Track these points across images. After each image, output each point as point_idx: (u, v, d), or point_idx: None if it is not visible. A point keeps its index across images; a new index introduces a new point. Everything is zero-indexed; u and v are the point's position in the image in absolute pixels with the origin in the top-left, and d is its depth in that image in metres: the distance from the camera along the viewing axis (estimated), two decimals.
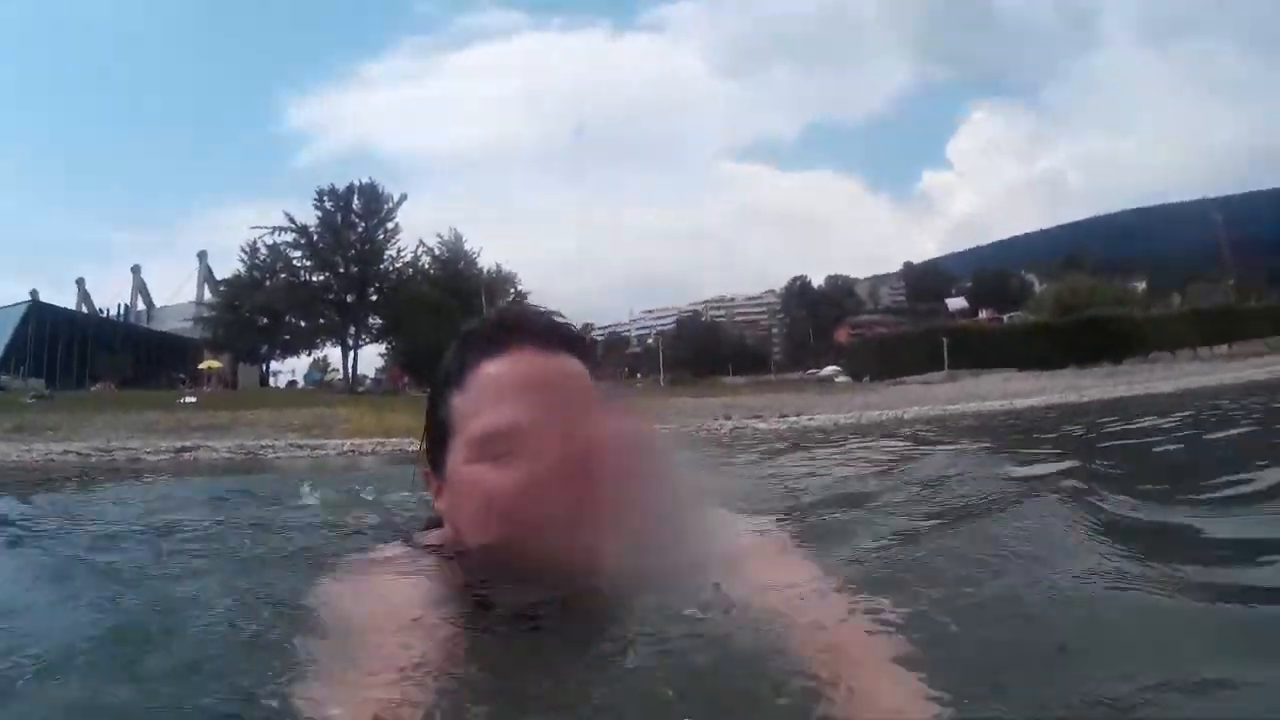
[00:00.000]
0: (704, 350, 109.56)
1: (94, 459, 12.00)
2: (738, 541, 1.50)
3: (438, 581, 1.31)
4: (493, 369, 1.33)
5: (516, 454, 1.26)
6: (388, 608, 1.21)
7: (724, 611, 1.17)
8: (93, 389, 40.73)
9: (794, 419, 15.14)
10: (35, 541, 2.02)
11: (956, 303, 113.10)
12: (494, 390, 1.32)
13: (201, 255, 70.57)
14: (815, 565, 1.45)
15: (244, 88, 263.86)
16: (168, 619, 1.35)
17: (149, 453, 12.21)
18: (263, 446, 13.21)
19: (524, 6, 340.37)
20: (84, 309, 65.41)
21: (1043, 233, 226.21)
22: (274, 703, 0.99)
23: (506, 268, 68.44)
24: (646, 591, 1.23)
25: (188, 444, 13.10)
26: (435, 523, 1.53)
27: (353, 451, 13.25)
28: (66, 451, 12.46)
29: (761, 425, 15.15)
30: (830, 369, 67.55)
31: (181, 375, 39.43)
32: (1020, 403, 18.44)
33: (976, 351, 42.74)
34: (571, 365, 1.37)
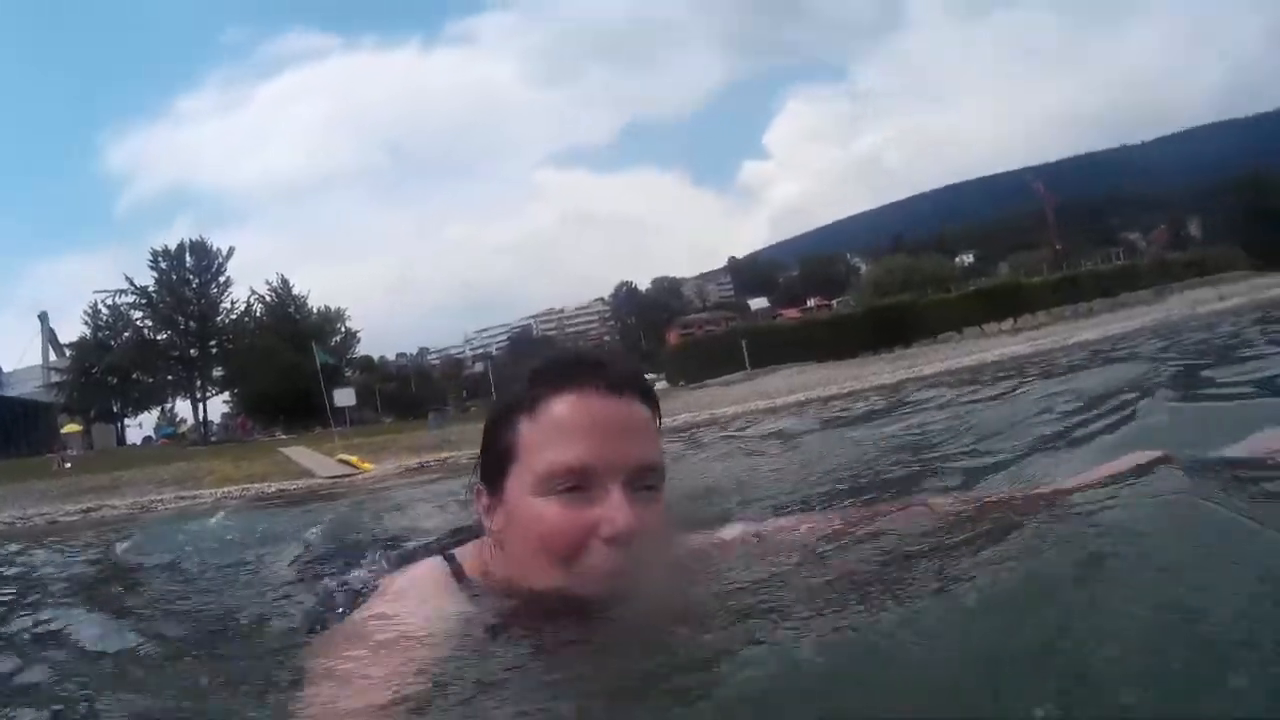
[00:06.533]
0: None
1: (18, 525, 14.45)
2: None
3: (477, 609, 1.39)
4: (567, 404, 1.37)
5: (584, 493, 1.33)
6: (422, 639, 1.27)
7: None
8: None
9: None
10: None
11: (758, 302, 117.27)
12: (567, 425, 1.35)
13: (43, 317, 70.25)
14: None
15: (57, 132, 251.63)
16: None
17: (62, 516, 14.86)
18: (152, 501, 16.10)
19: (333, 28, 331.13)
20: None
21: (867, 214, 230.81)
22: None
23: (335, 305, 71.56)
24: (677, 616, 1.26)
25: (91, 505, 15.87)
26: (465, 530, 1.70)
27: (224, 497, 16.12)
28: None
29: None
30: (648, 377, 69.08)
31: (60, 446, 39.95)
32: (781, 400, 21.04)
33: (778, 348, 43.64)
34: (641, 411, 1.41)
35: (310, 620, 1.65)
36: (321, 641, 1.40)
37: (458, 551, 1.58)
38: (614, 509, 1.32)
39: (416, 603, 1.41)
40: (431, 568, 1.56)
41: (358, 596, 1.58)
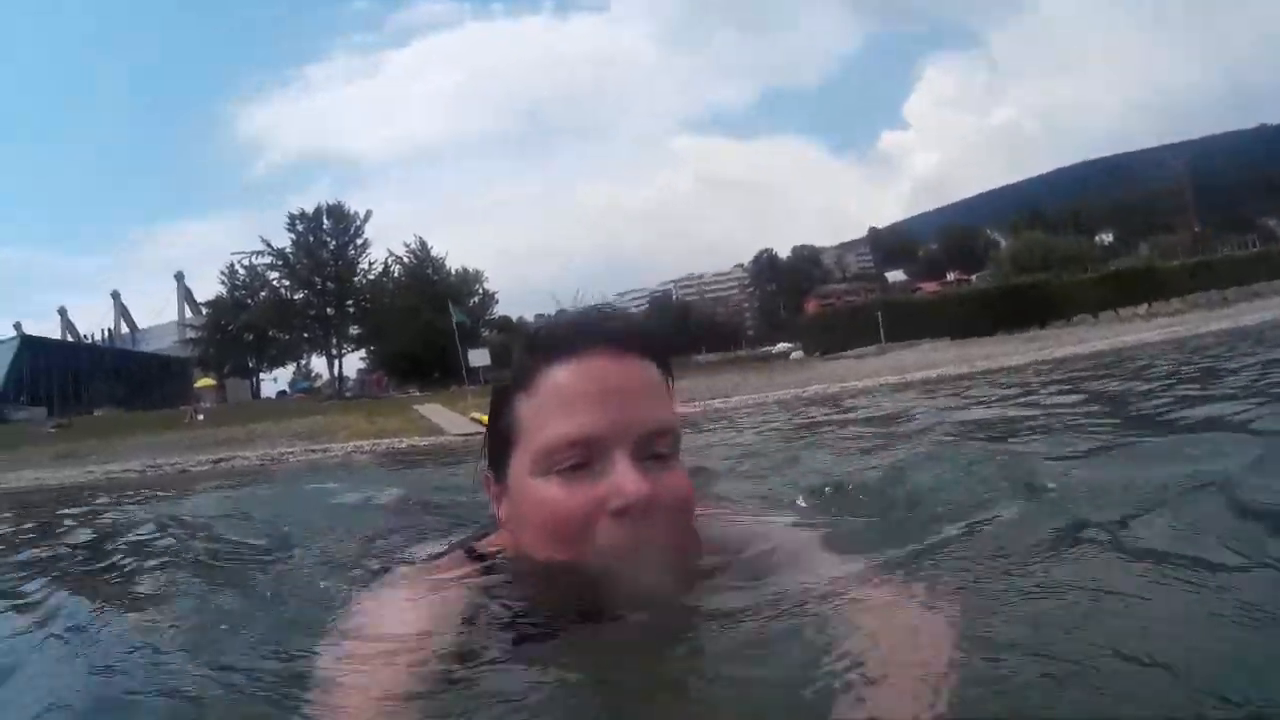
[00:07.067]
0: (677, 330, 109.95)
1: (149, 473, 14.42)
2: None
3: (491, 602, 1.25)
4: (562, 373, 1.26)
5: (589, 469, 1.22)
6: (431, 631, 1.16)
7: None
8: (96, 414, 42.18)
9: (707, 402, 17.28)
10: None
11: (895, 274, 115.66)
12: (563, 395, 1.24)
13: (179, 276, 74.06)
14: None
15: (190, 102, 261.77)
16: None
17: (192, 465, 14.77)
18: (282, 453, 15.89)
19: None
20: (69, 338, 68.03)
21: (1007, 188, 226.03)
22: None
23: (473, 267, 72.60)
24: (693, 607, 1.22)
25: (223, 455, 15.76)
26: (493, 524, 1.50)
27: (355, 452, 15.84)
28: (126, 470, 14.96)
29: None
30: (783, 345, 68.43)
31: (194, 399, 41.11)
32: (910, 376, 19.90)
33: (914, 322, 43.28)
34: (646, 372, 1.30)
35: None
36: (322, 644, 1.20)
37: (477, 545, 1.46)
38: (620, 478, 1.20)
39: (421, 600, 1.27)
40: (451, 565, 1.42)
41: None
